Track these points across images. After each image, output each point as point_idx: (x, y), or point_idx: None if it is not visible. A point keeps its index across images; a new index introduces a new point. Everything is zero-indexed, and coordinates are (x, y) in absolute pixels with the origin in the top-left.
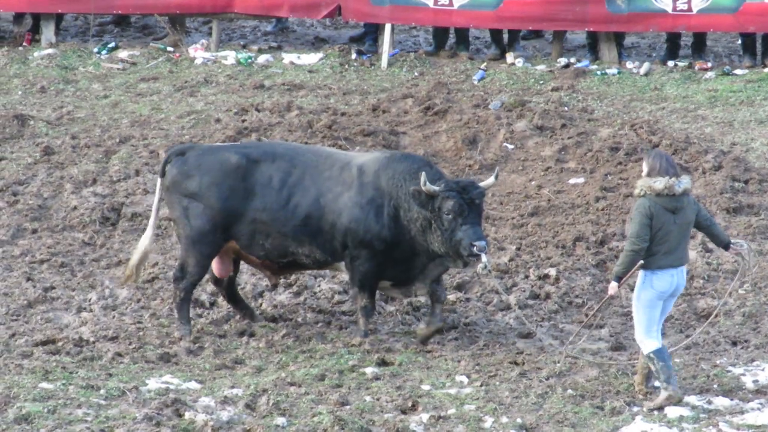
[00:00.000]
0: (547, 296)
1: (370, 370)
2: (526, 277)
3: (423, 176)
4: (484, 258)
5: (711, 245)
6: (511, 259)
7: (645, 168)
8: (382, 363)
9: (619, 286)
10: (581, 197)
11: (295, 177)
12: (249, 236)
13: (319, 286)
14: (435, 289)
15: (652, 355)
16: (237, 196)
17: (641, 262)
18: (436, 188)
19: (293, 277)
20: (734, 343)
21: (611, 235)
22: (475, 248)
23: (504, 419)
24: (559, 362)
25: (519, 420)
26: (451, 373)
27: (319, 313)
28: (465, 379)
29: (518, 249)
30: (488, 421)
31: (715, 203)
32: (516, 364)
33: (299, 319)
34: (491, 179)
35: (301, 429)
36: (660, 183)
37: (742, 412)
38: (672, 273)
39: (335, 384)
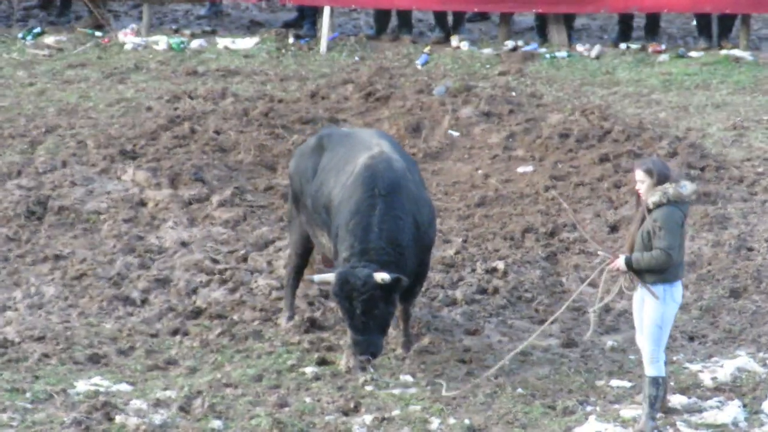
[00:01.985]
0: (495, 291)
1: (309, 370)
2: (473, 270)
3: (312, 278)
4: (370, 370)
5: None
6: (457, 252)
7: (652, 178)
8: (323, 362)
9: (626, 272)
10: (530, 186)
11: (331, 165)
12: (307, 223)
13: (255, 281)
14: (405, 306)
15: (650, 379)
16: (303, 180)
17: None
18: (327, 280)
19: (228, 272)
20: (691, 339)
21: (562, 225)
22: (359, 360)
23: (451, 420)
24: (507, 360)
25: (467, 421)
26: (395, 372)
27: (256, 310)
28: (410, 379)
29: (464, 241)
30: (434, 423)
31: None
32: (463, 362)
33: (235, 317)
34: (386, 276)
35: None
36: (688, 188)
37: (700, 411)
38: (681, 282)
39: (273, 385)
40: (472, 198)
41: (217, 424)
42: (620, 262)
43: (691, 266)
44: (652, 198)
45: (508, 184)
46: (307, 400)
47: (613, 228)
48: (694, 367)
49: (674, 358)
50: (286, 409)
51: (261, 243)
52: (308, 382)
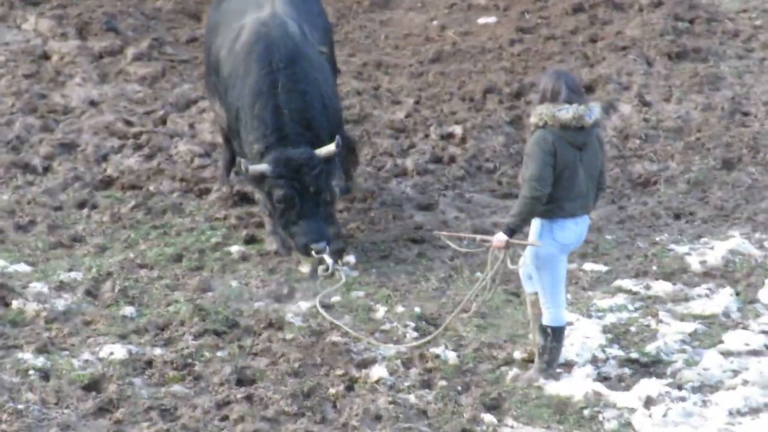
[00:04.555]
0: (452, 159)
1: (236, 249)
2: (426, 136)
3: (242, 162)
4: (327, 259)
5: (649, 96)
6: (408, 115)
7: (540, 91)
8: (252, 240)
9: (509, 242)
10: (493, 40)
11: (221, 20)
12: (205, 85)
13: (176, 147)
14: None
15: (550, 330)
16: (205, 33)
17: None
18: (262, 169)
19: (144, 136)
20: (677, 216)
21: (529, 85)
22: (312, 251)
23: (399, 308)
24: (465, 242)
25: (417, 309)
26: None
27: (176, 180)
28: (352, 260)
29: (417, 102)
30: (380, 311)
31: (654, 47)
32: (414, 242)
33: (151, 188)
34: (332, 146)
35: (153, 320)
36: (567, 112)
37: (686, 300)
38: (577, 221)
39: (195, 266)
40: (426, 53)
41: (129, 310)
42: (500, 237)
43: (678, 133)
44: (531, 118)
45: (467, 37)
46: (234, 284)
47: (589, 89)
48: (681, 249)
49: (657, 239)
50: (209, 294)
51: (182, 103)
52: (234, 263)
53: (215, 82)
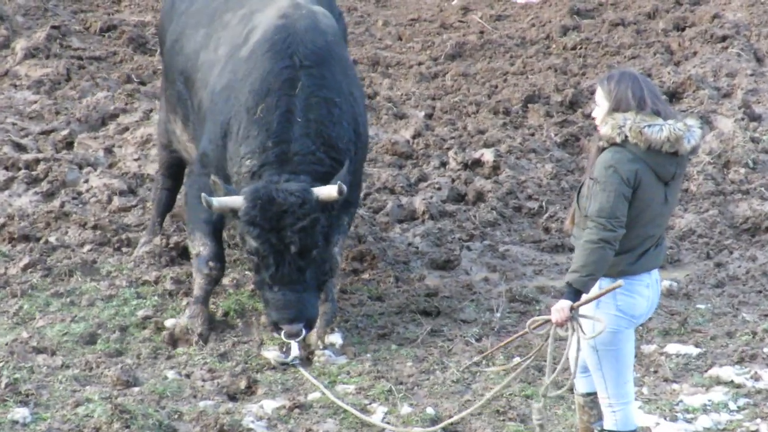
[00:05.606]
0: (480, 197)
1: (172, 324)
2: (443, 164)
3: (215, 202)
4: (294, 350)
5: (759, 107)
6: (416, 135)
7: (607, 99)
8: None
9: (574, 307)
10: (537, 27)
11: (201, 6)
12: (163, 96)
13: (86, 181)
14: None
15: None
16: (165, 24)
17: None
18: (232, 205)
19: (42, 165)
20: None
21: (588, 91)
22: (282, 332)
23: (405, 408)
24: (499, 311)
25: (430, 410)
26: (314, 329)
27: (87, 228)
28: (338, 340)
29: (429, 116)
30: (378, 411)
31: (765, 37)
32: (426, 314)
33: (52, 239)
34: (333, 189)
35: (56, 427)
36: (661, 131)
37: None
38: (647, 282)
39: (114, 350)
40: (442, 46)
41: (21, 413)
42: (561, 305)
43: None
44: (602, 129)
45: (500, 22)
46: (170, 374)
47: (674, 96)
48: None
49: None
50: (135, 389)
51: (95, 118)
52: (171, 345)
53: (180, 92)
